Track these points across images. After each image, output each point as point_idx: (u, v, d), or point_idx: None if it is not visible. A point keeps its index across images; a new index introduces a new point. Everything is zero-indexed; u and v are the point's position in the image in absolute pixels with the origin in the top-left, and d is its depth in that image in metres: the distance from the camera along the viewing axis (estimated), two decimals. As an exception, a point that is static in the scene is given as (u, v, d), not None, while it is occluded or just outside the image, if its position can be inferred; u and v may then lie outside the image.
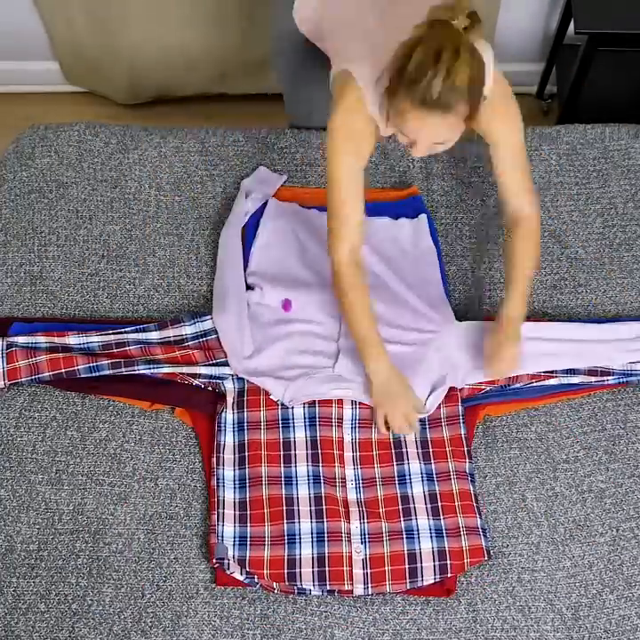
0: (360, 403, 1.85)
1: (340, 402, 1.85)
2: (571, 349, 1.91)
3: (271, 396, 1.86)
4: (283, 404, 1.85)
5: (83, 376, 1.87)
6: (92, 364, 1.87)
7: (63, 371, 1.86)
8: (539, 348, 1.90)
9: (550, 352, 1.91)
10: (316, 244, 2.08)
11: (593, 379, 1.88)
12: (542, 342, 1.91)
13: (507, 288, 1.82)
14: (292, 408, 1.84)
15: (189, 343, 1.92)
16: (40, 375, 1.87)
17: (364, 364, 1.80)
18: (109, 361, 1.87)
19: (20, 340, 1.90)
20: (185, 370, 1.87)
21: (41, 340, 1.90)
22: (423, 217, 2.13)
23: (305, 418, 1.84)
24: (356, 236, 1.75)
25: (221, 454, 1.81)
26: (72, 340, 1.91)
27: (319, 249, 2.07)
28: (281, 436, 1.82)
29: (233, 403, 1.86)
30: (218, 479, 1.78)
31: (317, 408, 1.84)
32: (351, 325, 1.78)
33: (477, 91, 1.48)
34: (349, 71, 1.66)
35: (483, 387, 1.87)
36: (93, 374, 1.87)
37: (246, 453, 1.81)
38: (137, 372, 1.87)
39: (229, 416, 1.85)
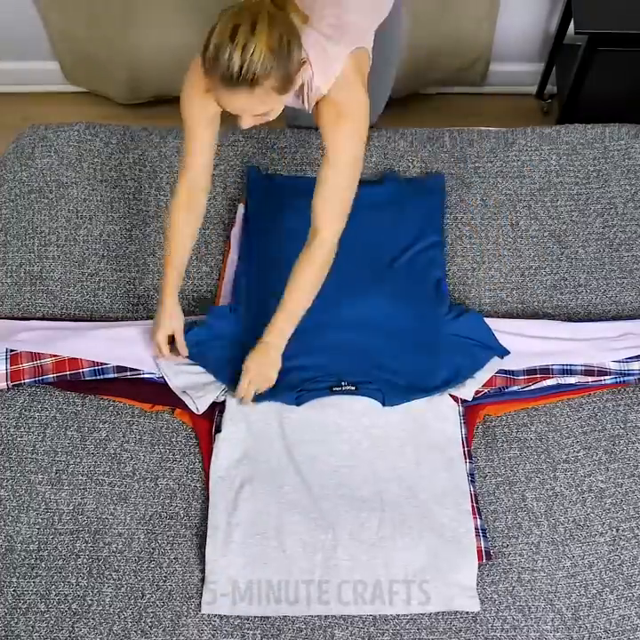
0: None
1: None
2: (548, 347, 1.91)
3: None
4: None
5: (87, 379, 1.87)
6: (97, 367, 1.87)
7: (68, 373, 1.86)
8: (516, 346, 1.90)
9: (527, 350, 1.90)
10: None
11: (590, 379, 1.88)
12: (520, 339, 1.91)
13: (280, 302, 1.78)
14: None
15: None
16: (44, 377, 1.87)
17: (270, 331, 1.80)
18: (114, 364, 1.87)
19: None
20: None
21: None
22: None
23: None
24: (200, 165, 1.77)
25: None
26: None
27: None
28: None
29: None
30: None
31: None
32: (165, 257, 1.83)
33: (284, 60, 1.44)
34: None
35: (480, 389, 1.87)
36: (98, 377, 1.87)
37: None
38: (141, 375, 1.87)
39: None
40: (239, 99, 1.46)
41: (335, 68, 1.62)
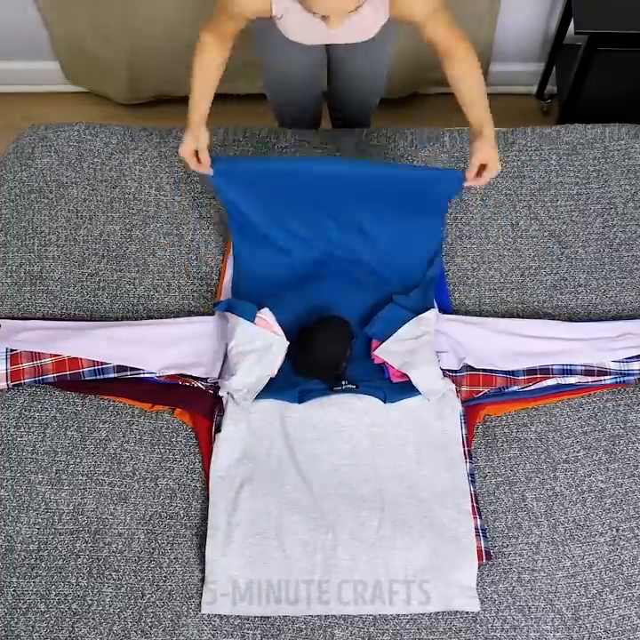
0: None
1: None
2: (548, 347, 1.91)
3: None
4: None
5: (87, 379, 1.87)
6: (97, 367, 1.87)
7: (68, 373, 1.86)
8: (516, 346, 1.91)
9: (527, 350, 1.90)
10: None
11: (590, 379, 1.88)
12: (521, 339, 1.91)
13: (468, 107, 1.82)
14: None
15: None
16: (44, 377, 1.87)
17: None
18: (115, 364, 1.87)
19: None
20: (189, 373, 1.88)
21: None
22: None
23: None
24: (232, 30, 1.80)
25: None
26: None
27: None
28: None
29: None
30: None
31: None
32: (191, 83, 1.87)
33: None
34: None
35: (480, 389, 1.87)
36: (98, 377, 1.87)
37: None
38: (141, 375, 1.87)
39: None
40: None
41: None
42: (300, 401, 1.83)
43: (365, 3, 1.61)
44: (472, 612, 1.66)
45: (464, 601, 1.65)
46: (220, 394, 1.85)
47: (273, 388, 1.83)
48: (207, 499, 1.78)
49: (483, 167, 1.84)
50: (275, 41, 1.99)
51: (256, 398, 1.82)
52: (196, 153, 1.91)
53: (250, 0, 1.71)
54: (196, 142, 1.88)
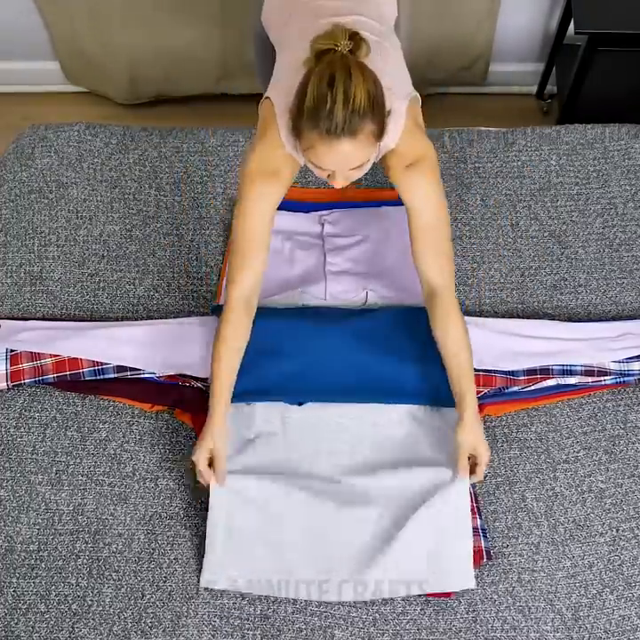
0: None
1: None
2: (548, 347, 1.91)
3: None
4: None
5: (87, 379, 1.87)
6: (97, 368, 1.87)
7: (68, 373, 1.87)
8: (516, 346, 1.90)
9: (527, 350, 1.90)
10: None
11: (590, 379, 1.88)
12: (520, 339, 1.91)
13: (452, 382, 1.72)
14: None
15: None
16: (44, 377, 1.87)
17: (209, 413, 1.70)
18: (115, 364, 1.87)
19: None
20: (189, 373, 1.88)
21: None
22: None
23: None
24: (254, 279, 1.70)
25: None
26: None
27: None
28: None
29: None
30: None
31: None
32: (211, 374, 1.71)
33: (380, 106, 1.45)
34: (271, 100, 1.65)
35: (480, 389, 1.87)
36: (98, 377, 1.87)
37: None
38: (141, 375, 1.87)
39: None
40: (341, 149, 1.44)
41: (399, 123, 1.62)
42: (301, 403, 1.83)
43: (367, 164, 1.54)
44: (472, 612, 1.66)
45: (459, 580, 1.64)
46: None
47: (272, 392, 1.83)
48: (207, 498, 1.78)
49: (473, 457, 1.71)
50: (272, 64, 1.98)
51: (255, 401, 1.82)
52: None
53: (276, 161, 1.62)
54: (211, 446, 1.66)
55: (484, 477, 1.79)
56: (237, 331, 1.70)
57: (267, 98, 1.68)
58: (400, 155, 1.65)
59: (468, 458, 1.70)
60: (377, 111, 1.44)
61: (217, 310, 1.92)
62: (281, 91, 1.63)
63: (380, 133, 1.48)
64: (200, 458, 1.66)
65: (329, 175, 1.54)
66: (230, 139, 2.27)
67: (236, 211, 1.68)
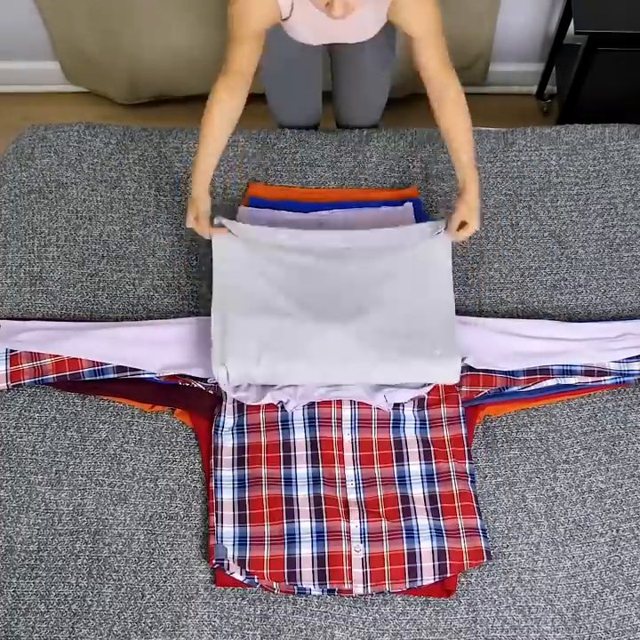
0: (359, 403, 1.85)
1: (339, 402, 1.85)
2: (547, 347, 1.91)
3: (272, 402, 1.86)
4: (282, 407, 1.85)
5: (87, 379, 1.87)
6: (97, 368, 1.87)
7: (68, 373, 1.87)
8: (516, 346, 1.91)
9: (527, 350, 1.90)
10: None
11: (590, 379, 1.88)
12: (520, 339, 1.92)
13: (455, 158, 1.86)
14: (292, 410, 1.85)
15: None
16: (44, 377, 1.87)
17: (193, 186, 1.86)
18: (115, 365, 1.87)
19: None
20: (189, 373, 1.88)
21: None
22: (408, 205, 2.14)
23: (304, 419, 1.84)
24: (246, 72, 1.81)
25: (219, 456, 1.81)
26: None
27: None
28: (281, 438, 1.82)
29: (233, 405, 1.86)
30: (216, 480, 1.78)
31: (317, 409, 1.84)
32: (200, 138, 1.83)
33: None
34: None
35: (480, 390, 1.87)
36: (98, 377, 1.87)
37: (246, 455, 1.81)
38: (141, 375, 1.87)
39: (229, 419, 1.85)
40: None
41: None
42: None
43: (366, 1, 1.60)
44: (472, 612, 1.66)
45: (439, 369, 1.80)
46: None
47: None
48: (207, 499, 1.78)
49: (463, 224, 1.91)
50: (275, 43, 1.99)
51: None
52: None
53: (258, 7, 1.69)
54: (195, 212, 1.87)
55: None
56: (235, 98, 1.81)
57: None
58: None
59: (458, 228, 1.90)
60: None
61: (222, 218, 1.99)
62: None
63: None
64: (189, 220, 1.87)
65: (327, 3, 1.55)
66: (230, 139, 2.27)
67: (231, 33, 1.76)
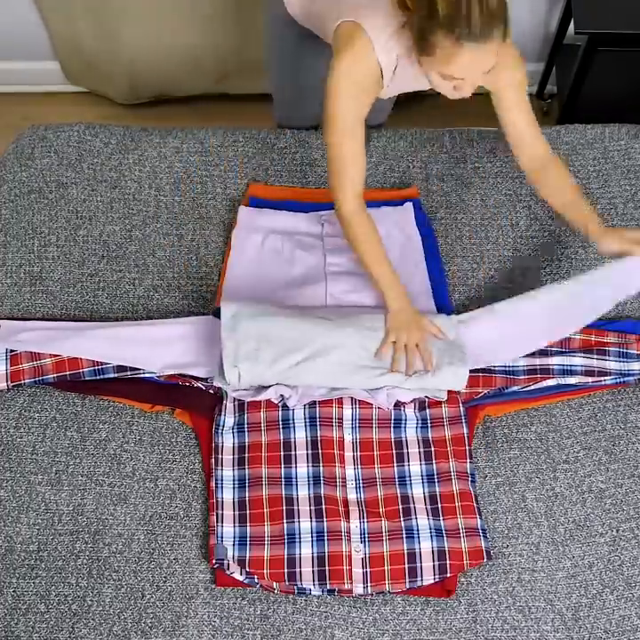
0: (360, 401, 1.85)
1: (340, 402, 1.85)
2: (540, 324, 1.90)
3: (273, 399, 1.86)
4: (283, 406, 1.85)
5: (87, 379, 1.87)
6: (97, 367, 1.87)
7: (68, 373, 1.87)
8: (507, 332, 1.90)
9: (519, 334, 1.89)
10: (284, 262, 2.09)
11: (590, 379, 1.88)
12: (509, 324, 1.91)
13: (573, 209, 1.81)
14: (293, 409, 1.84)
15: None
16: (44, 377, 1.87)
17: (387, 304, 1.83)
18: (115, 364, 1.87)
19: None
20: (189, 372, 1.88)
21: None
22: (408, 205, 2.14)
23: (305, 418, 1.84)
24: (361, 178, 1.75)
25: (220, 456, 1.81)
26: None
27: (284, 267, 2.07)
28: (281, 437, 1.82)
29: (233, 405, 1.86)
30: (216, 480, 1.78)
31: (318, 408, 1.84)
32: (369, 274, 1.83)
33: (506, 8, 1.45)
34: (357, 22, 1.61)
35: (480, 390, 1.87)
36: (98, 377, 1.87)
37: (246, 454, 1.81)
38: (141, 375, 1.87)
39: (229, 419, 1.85)
40: (478, 55, 1.43)
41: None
42: None
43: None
44: (472, 612, 1.66)
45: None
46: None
47: None
48: (207, 499, 1.78)
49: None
50: (290, 49, 1.98)
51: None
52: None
53: (365, 78, 1.63)
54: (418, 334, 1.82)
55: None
56: (368, 229, 1.80)
57: (348, 22, 1.63)
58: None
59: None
60: (505, 11, 1.44)
61: (218, 313, 1.93)
62: (371, 12, 1.60)
63: (505, 34, 1.47)
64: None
65: (455, 86, 1.53)
66: (230, 139, 2.27)
67: (331, 128, 1.68)
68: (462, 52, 1.43)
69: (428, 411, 1.86)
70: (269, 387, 1.84)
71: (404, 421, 1.85)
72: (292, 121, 2.32)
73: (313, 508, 1.74)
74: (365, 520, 1.74)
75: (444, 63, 1.47)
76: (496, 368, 1.90)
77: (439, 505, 1.76)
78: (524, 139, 1.83)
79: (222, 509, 1.75)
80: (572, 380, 1.88)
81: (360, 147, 1.71)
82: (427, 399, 1.87)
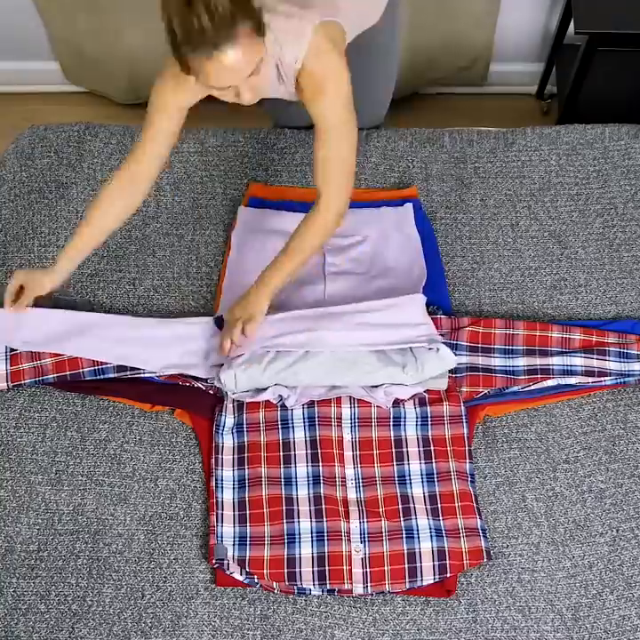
0: (359, 400, 1.85)
1: (338, 401, 1.85)
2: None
3: (271, 399, 1.86)
4: (282, 406, 1.85)
5: (87, 379, 1.87)
6: (97, 367, 1.87)
7: (68, 373, 1.87)
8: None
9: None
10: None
11: (590, 379, 1.88)
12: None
13: (275, 258, 1.81)
14: (292, 409, 1.85)
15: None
16: (44, 377, 1.87)
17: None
18: (114, 364, 1.87)
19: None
20: (189, 373, 1.88)
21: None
22: (408, 205, 2.14)
23: (304, 418, 1.84)
24: (149, 157, 1.79)
25: (220, 456, 1.81)
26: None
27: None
28: (280, 437, 1.82)
29: (233, 405, 1.86)
30: (216, 480, 1.78)
31: (316, 408, 1.84)
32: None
33: (244, 2, 1.41)
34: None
35: (480, 390, 1.87)
36: (98, 377, 1.87)
37: (246, 455, 1.81)
38: (141, 375, 1.87)
39: (229, 419, 1.85)
40: (229, 60, 1.42)
41: (303, 41, 1.60)
42: None
43: (263, 67, 1.54)
44: (472, 612, 1.66)
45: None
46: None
47: None
48: (207, 499, 1.78)
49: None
50: None
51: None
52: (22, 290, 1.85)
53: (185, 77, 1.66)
54: (24, 278, 1.84)
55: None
56: (121, 199, 1.80)
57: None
58: (307, 75, 1.64)
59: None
60: (243, 7, 1.40)
61: (219, 322, 1.93)
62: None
63: (258, 27, 1.44)
64: (9, 289, 1.84)
65: (235, 94, 1.53)
66: (230, 139, 2.27)
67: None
68: (210, 63, 1.42)
69: (428, 407, 1.86)
70: (267, 388, 1.84)
71: (403, 419, 1.85)
72: (288, 122, 2.32)
73: (313, 508, 1.74)
74: (365, 520, 1.74)
75: (203, 80, 1.47)
76: (496, 368, 1.90)
77: (439, 505, 1.76)
78: (315, 179, 1.77)
79: (222, 509, 1.75)
80: (572, 381, 1.88)
81: (160, 124, 1.75)
82: (426, 395, 1.87)
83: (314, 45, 1.62)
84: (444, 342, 1.90)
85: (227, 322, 1.81)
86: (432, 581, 1.68)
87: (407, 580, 1.68)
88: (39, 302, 1.89)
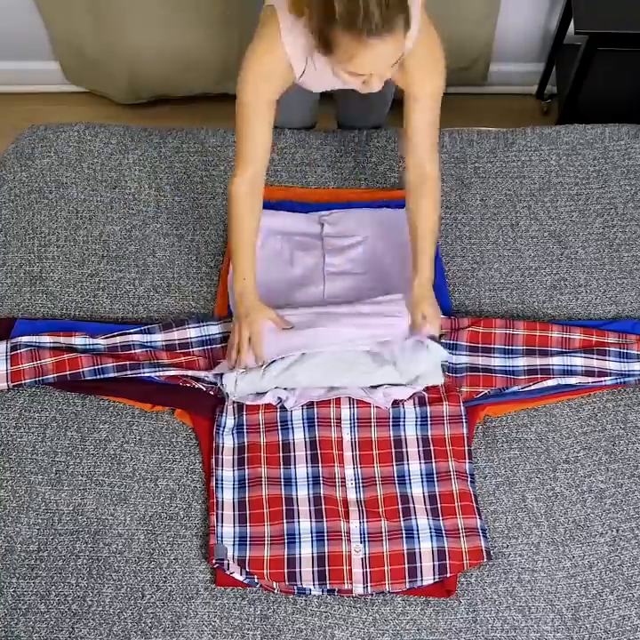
0: (358, 401, 1.85)
1: (337, 401, 1.85)
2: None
3: (271, 402, 1.86)
4: (281, 407, 1.85)
5: (87, 378, 1.87)
6: (96, 367, 1.87)
7: (68, 373, 1.87)
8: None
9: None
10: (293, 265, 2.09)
11: (590, 379, 1.88)
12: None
13: (414, 252, 1.82)
14: (291, 410, 1.85)
15: (194, 350, 1.93)
16: (44, 377, 1.87)
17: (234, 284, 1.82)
18: (114, 364, 1.87)
19: (24, 339, 1.90)
20: (189, 373, 1.88)
21: (45, 339, 1.91)
22: None
23: (303, 419, 1.84)
24: (261, 159, 1.75)
25: (220, 456, 1.81)
26: (78, 340, 1.91)
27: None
28: (280, 438, 1.82)
29: (233, 406, 1.86)
30: (217, 480, 1.78)
31: (316, 409, 1.84)
32: (231, 248, 1.81)
33: None
34: (274, 9, 1.59)
35: (480, 390, 1.87)
36: (98, 377, 1.87)
37: (246, 455, 1.81)
38: (141, 375, 1.87)
39: (230, 419, 1.85)
40: (382, 49, 1.40)
41: (414, 22, 1.56)
42: None
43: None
44: (472, 612, 1.66)
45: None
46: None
47: None
48: (207, 499, 1.78)
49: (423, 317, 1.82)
50: None
51: None
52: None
53: (272, 67, 1.62)
54: (250, 329, 1.78)
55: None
56: (253, 198, 1.78)
57: (267, 5, 1.62)
58: (418, 55, 1.64)
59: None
60: (405, 2, 1.40)
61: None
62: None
63: (407, 23, 1.43)
64: (237, 340, 1.77)
65: (364, 81, 1.50)
66: (230, 139, 2.27)
67: (238, 112, 1.70)
68: (364, 48, 1.40)
69: (428, 407, 1.86)
70: (267, 392, 1.85)
71: (402, 419, 1.85)
72: (288, 123, 2.32)
73: (312, 508, 1.74)
74: (365, 520, 1.74)
75: (347, 61, 1.44)
76: (496, 368, 1.90)
77: (439, 505, 1.76)
78: (417, 149, 1.78)
79: (222, 509, 1.75)
80: (572, 381, 1.88)
81: (262, 126, 1.70)
82: (426, 395, 1.87)
83: (422, 23, 1.62)
84: (443, 342, 1.91)
85: (413, 321, 1.83)
86: (432, 581, 1.68)
87: (407, 580, 1.68)
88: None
